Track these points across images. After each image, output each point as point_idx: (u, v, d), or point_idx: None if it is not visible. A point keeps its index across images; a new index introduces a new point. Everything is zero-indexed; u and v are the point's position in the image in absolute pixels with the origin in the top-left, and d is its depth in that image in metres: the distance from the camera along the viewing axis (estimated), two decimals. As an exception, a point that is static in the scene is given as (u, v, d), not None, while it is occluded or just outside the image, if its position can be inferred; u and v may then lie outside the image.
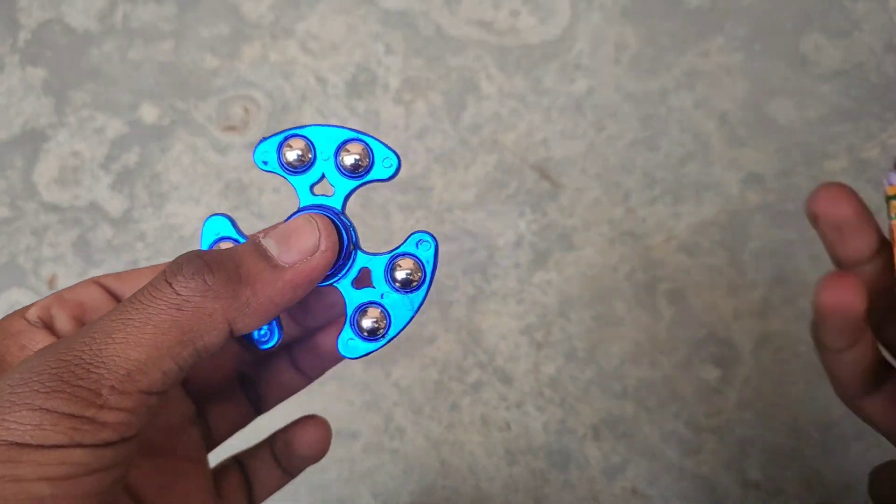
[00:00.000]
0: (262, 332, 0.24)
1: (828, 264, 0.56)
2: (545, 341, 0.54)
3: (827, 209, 0.24)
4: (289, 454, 0.27)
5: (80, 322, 0.23)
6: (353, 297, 0.23)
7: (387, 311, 0.23)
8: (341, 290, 0.24)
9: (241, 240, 0.24)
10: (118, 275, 0.24)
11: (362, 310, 0.23)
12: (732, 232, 0.55)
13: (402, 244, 0.24)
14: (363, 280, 0.24)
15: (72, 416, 0.17)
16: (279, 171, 0.24)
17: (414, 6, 0.62)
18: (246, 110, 0.60)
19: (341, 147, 0.24)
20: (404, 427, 0.53)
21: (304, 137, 0.24)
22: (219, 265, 0.20)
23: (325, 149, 0.24)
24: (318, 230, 0.22)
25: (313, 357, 0.27)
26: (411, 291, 0.23)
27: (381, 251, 0.24)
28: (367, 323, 0.23)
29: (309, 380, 0.28)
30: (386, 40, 0.61)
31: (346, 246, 0.23)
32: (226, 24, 0.62)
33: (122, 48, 0.62)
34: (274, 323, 0.24)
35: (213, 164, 0.59)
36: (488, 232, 0.56)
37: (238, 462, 0.28)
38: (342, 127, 0.24)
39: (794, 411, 0.51)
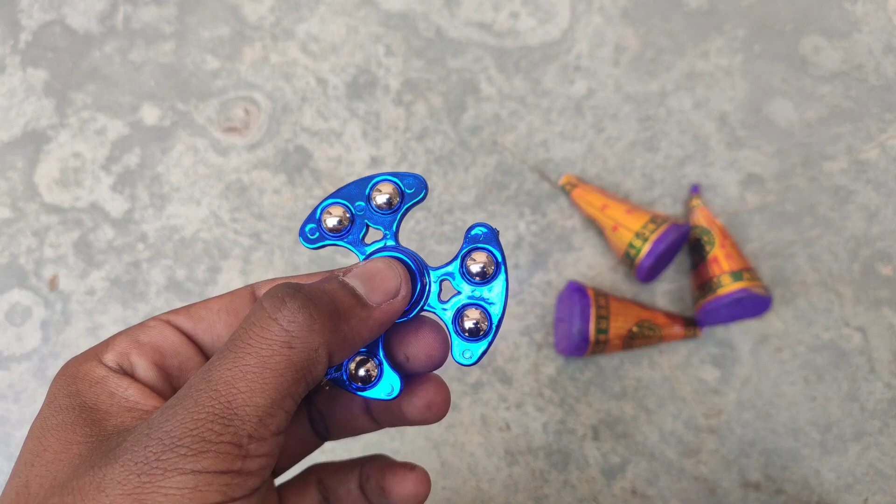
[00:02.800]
0: (363, 376, 0.25)
1: (827, 264, 0.56)
2: (545, 342, 0.54)
3: None
4: (381, 498, 0.26)
5: (161, 368, 0.23)
6: (445, 310, 0.25)
7: (480, 306, 0.24)
8: (433, 310, 0.25)
9: (354, 206, 0.25)
10: (187, 312, 0.24)
11: (459, 317, 0.24)
12: (732, 232, 0.55)
13: (463, 244, 0.25)
14: (447, 292, 0.25)
15: (223, 472, 0.18)
16: (330, 241, 0.25)
17: (414, 8, 0.62)
18: (247, 111, 0.60)
19: (370, 195, 0.25)
20: (404, 427, 0.53)
21: (336, 203, 0.25)
22: (318, 299, 0.21)
23: (357, 202, 0.25)
24: (400, 275, 0.23)
25: (388, 414, 0.26)
26: (492, 278, 0.24)
27: (444, 263, 0.25)
28: (469, 324, 0.24)
29: (379, 427, 0.27)
30: (386, 42, 0.61)
31: (419, 282, 0.25)
32: (226, 26, 0.62)
33: (123, 49, 0.62)
34: (382, 368, 0.25)
35: (214, 165, 0.59)
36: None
37: (319, 483, 0.27)
38: (363, 178, 0.26)
39: (793, 412, 0.52)
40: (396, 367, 0.25)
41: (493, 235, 0.24)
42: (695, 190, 0.56)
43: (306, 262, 0.56)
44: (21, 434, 0.54)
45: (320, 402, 0.27)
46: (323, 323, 0.20)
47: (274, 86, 0.61)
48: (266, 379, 0.19)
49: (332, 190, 0.58)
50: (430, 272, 0.25)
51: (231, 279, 0.56)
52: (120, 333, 0.23)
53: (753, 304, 0.51)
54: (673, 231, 0.51)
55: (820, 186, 0.56)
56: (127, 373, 0.23)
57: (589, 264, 0.55)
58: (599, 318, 0.50)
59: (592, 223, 0.56)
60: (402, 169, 0.58)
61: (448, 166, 0.58)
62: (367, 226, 0.25)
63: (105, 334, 0.56)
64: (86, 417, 0.21)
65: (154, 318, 0.24)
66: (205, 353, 0.24)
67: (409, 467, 0.26)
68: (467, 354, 0.24)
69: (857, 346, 0.52)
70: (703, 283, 0.52)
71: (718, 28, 0.60)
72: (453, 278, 0.24)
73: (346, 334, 0.21)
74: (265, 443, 0.19)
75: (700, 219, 0.54)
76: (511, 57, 0.60)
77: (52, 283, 0.57)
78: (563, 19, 0.61)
